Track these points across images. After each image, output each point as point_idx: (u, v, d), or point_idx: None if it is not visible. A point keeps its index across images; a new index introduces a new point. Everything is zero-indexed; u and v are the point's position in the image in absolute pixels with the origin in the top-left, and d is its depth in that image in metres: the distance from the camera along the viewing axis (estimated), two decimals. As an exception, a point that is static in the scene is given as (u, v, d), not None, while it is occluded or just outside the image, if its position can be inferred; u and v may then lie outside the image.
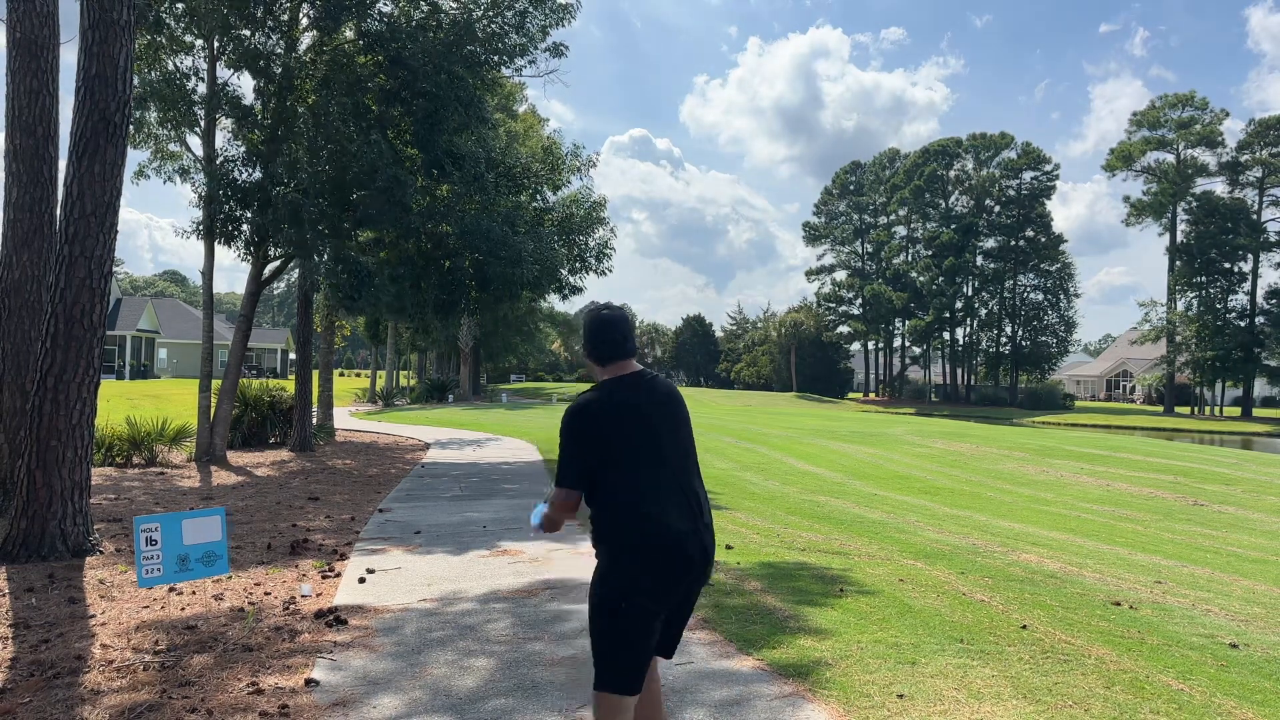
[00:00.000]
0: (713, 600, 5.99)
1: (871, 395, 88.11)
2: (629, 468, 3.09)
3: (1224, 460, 19.07)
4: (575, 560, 7.58)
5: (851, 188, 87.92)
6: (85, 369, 7.76)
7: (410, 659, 4.88)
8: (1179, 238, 65.27)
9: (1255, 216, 62.78)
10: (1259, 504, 13.07)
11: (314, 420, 20.66)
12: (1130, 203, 67.38)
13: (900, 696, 4.22)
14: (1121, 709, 4.13)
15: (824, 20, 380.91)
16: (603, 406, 3.14)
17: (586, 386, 3.39)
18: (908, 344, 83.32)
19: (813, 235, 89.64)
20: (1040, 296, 75.94)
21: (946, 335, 78.74)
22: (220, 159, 16.62)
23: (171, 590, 6.37)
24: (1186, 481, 15.06)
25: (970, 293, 76.90)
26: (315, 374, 21.01)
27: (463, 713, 4.10)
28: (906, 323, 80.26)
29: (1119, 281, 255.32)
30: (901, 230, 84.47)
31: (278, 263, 18.11)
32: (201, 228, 16.02)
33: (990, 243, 75.85)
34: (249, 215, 16.04)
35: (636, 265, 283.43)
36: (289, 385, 22.57)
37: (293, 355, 43.12)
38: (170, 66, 16.60)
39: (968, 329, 78.65)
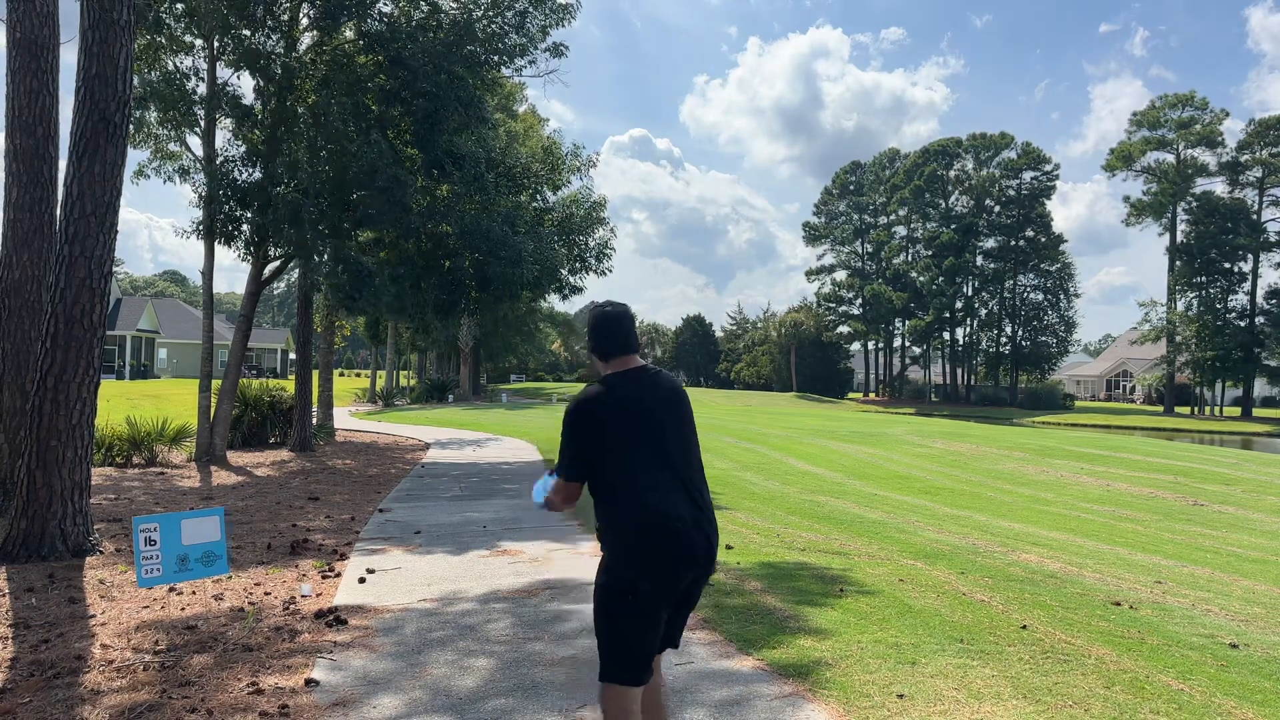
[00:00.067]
0: (713, 600, 5.99)
1: (871, 395, 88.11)
2: (632, 461, 3.12)
3: (1224, 460, 19.07)
4: (575, 560, 7.58)
5: (851, 188, 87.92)
6: (85, 369, 7.75)
7: (410, 659, 4.88)
8: (1179, 238, 65.28)
9: (1255, 216, 62.78)
10: (1259, 504, 13.07)
11: (314, 420, 20.66)
12: (1130, 203, 67.41)
13: (900, 696, 4.22)
14: (1121, 709, 4.13)
15: (824, 20, 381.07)
16: (605, 401, 3.17)
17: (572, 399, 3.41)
18: (908, 344, 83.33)
19: (813, 235, 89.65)
20: (1040, 296, 75.96)
21: (946, 335, 78.76)
22: (220, 159, 16.62)
23: (171, 590, 6.37)
24: (1186, 481, 15.06)
25: (970, 293, 76.91)
26: (315, 374, 21.01)
27: (463, 713, 4.10)
28: (906, 323, 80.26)
29: (1119, 281, 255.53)
30: (901, 230, 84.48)
31: (278, 263, 18.11)
32: (201, 228, 16.02)
33: (990, 243, 75.86)
34: (249, 215, 16.04)
35: (636, 265, 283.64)
36: (289, 385, 22.56)
37: (293, 355, 43.12)
38: (170, 66, 16.60)
39: (968, 329, 78.67)
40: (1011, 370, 76.00)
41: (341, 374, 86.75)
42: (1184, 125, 64.12)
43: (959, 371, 79.45)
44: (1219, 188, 64.66)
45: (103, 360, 8.12)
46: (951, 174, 78.51)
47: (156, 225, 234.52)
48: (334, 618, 5.65)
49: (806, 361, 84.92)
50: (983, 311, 77.43)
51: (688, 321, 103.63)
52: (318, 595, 6.40)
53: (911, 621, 5.58)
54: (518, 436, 23.22)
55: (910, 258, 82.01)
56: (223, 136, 19.76)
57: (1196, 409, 65.87)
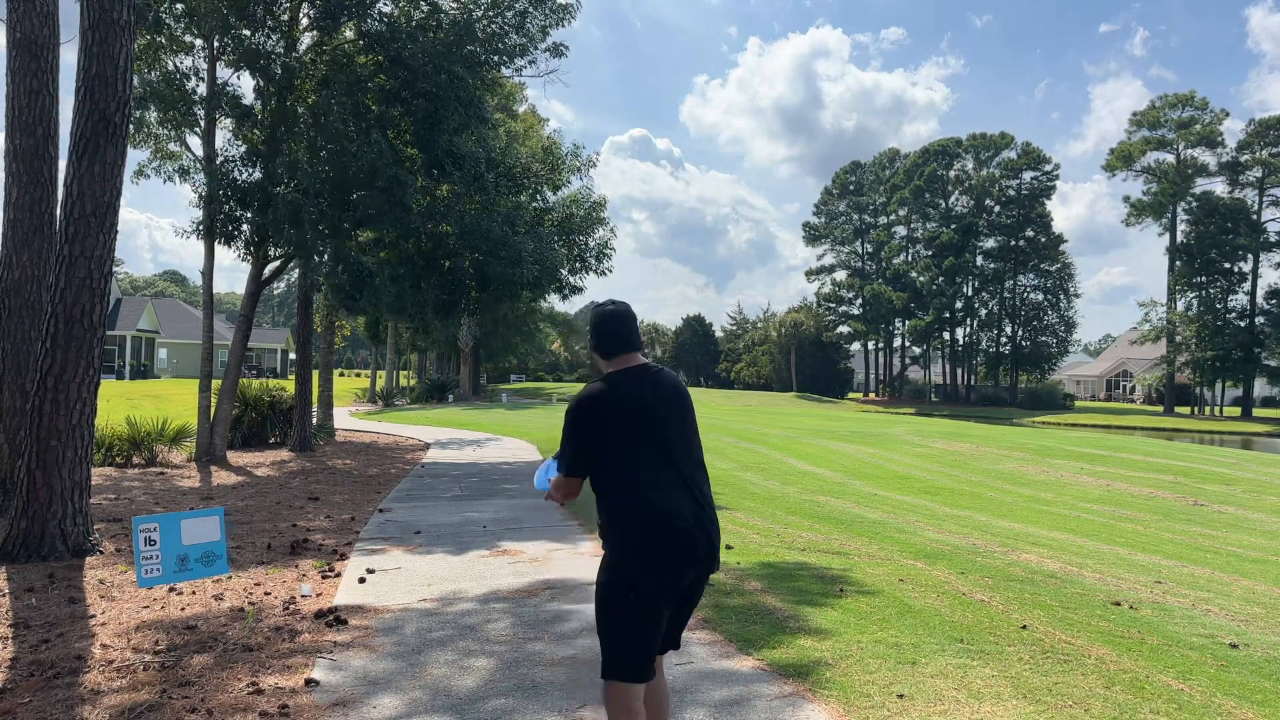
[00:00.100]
0: (713, 600, 5.99)
1: (871, 395, 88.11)
2: (633, 458, 3.13)
3: (1224, 460, 19.07)
4: (575, 560, 7.58)
5: (851, 188, 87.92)
6: (85, 369, 7.76)
7: (410, 659, 4.88)
8: (1179, 238, 65.28)
9: (1255, 216, 62.79)
10: (1259, 504, 13.07)
11: (314, 420, 20.66)
12: (1130, 203, 67.42)
13: (900, 696, 4.22)
14: (1121, 709, 4.13)
15: (824, 20, 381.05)
16: (607, 398, 3.18)
17: (574, 395, 3.42)
18: (908, 344, 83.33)
19: (813, 235, 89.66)
20: (1040, 296, 75.97)
21: (946, 335, 78.76)
22: (220, 159, 16.63)
23: (171, 590, 6.37)
24: (1186, 481, 15.06)
25: (970, 293, 76.91)
26: (315, 374, 21.01)
27: (463, 713, 4.10)
28: (906, 323, 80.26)
29: (1119, 281, 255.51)
30: (901, 230, 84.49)
31: (278, 263, 18.11)
32: (201, 228, 16.02)
33: (990, 243, 75.87)
34: (249, 215, 16.05)
35: (636, 265, 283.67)
36: (289, 385, 22.57)
37: (293, 355, 43.12)
38: (170, 66, 16.60)
39: (968, 329, 78.68)
40: (1011, 370, 76.00)
41: (341, 374, 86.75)
42: (1184, 125, 64.12)
43: (959, 371, 79.46)
44: (1219, 188, 64.77)
45: (103, 360, 8.12)
46: (951, 174, 78.52)
47: (156, 225, 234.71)
48: (334, 618, 5.65)
49: (806, 361, 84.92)
50: (983, 311, 77.44)
51: (688, 321, 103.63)
52: (318, 595, 6.40)
53: (911, 621, 5.58)
54: (518, 436, 23.22)
55: (910, 258, 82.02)
56: (223, 136, 19.77)
57: (1196, 409, 65.87)
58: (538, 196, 22.64)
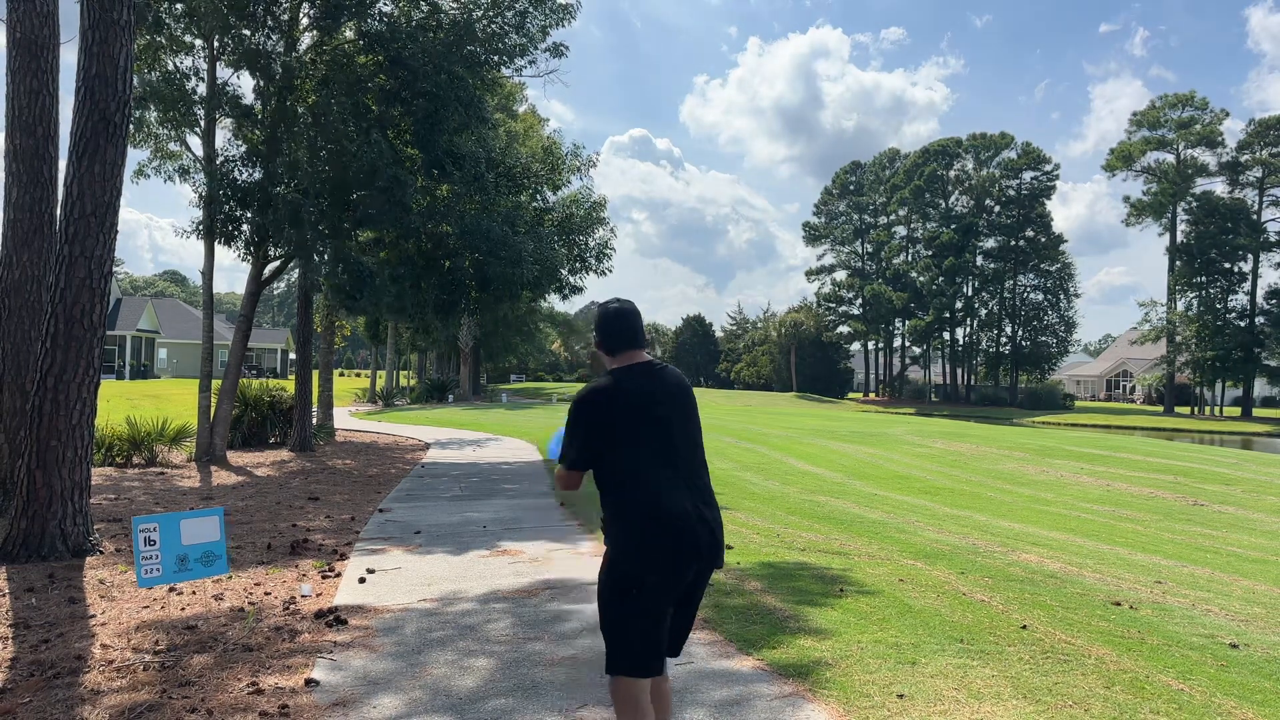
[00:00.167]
0: (713, 600, 5.99)
1: (871, 395, 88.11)
2: (636, 454, 3.14)
3: (1224, 460, 19.07)
4: (575, 560, 7.58)
5: (851, 188, 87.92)
6: (85, 369, 7.75)
7: (410, 659, 4.88)
8: (1179, 238, 65.29)
9: (1255, 216, 62.79)
10: (1259, 504, 13.07)
11: (314, 420, 20.66)
12: (1130, 203, 67.43)
13: (900, 696, 4.22)
14: (1121, 709, 4.12)
15: (824, 20, 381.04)
16: (611, 393, 3.20)
17: (579, 390, 3.44)
18: (908, 344, 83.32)
19: (813, 235, 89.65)
20: (1040, 296, 75.96)
21: (946, 335, 78.76)
22: (220, 159, 16.62)
23: (171, 590, 6.37)
24: (1186, 481, 15.06)
25: (970, 293, 76.91)
26: (315, 374, 21.02)
27: (463, 713, 4.10)
28: (906, 323, 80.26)
29: (1119, 281, 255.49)
30: (901, 230, 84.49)
31: (278, 263, 18.11)
32: (201, 228, 16.02)
33: (990, 243, 75.87)
34: (249, 215, 16.05)
35: (636, 265, 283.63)
36: (289, 385, 22.57)
37: (293, 355, 43.12)
38: (170, 66, 16.60)
39: (968, 329, 78.67)
40: (1011, 370, 76.01)
41: (341, 374, 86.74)
42: (1184, 125, 64.13)
43: (959, 371, 79.45)
44: (1219, 188, 64.77)
45: (103, 360, 8.12)
46: (951, 174, 78.52)
47: (156, 225, 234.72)
48: (334, 618, 5.65)
49: (806, 361, 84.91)
50: (983, 311, 77.44)
51: (688, 321, 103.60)
52: (318, 595, 6.40)
53: (911, 621, 5.58)
54: (518, 436, 23.22)
55: (910, 258, 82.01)
56: (223, 136, 19.79)
57: (1196, 409, 65.88)
58: (538, 196, 22.65)
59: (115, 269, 35.37)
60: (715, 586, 6.40)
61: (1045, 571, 7.63)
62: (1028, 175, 75.48)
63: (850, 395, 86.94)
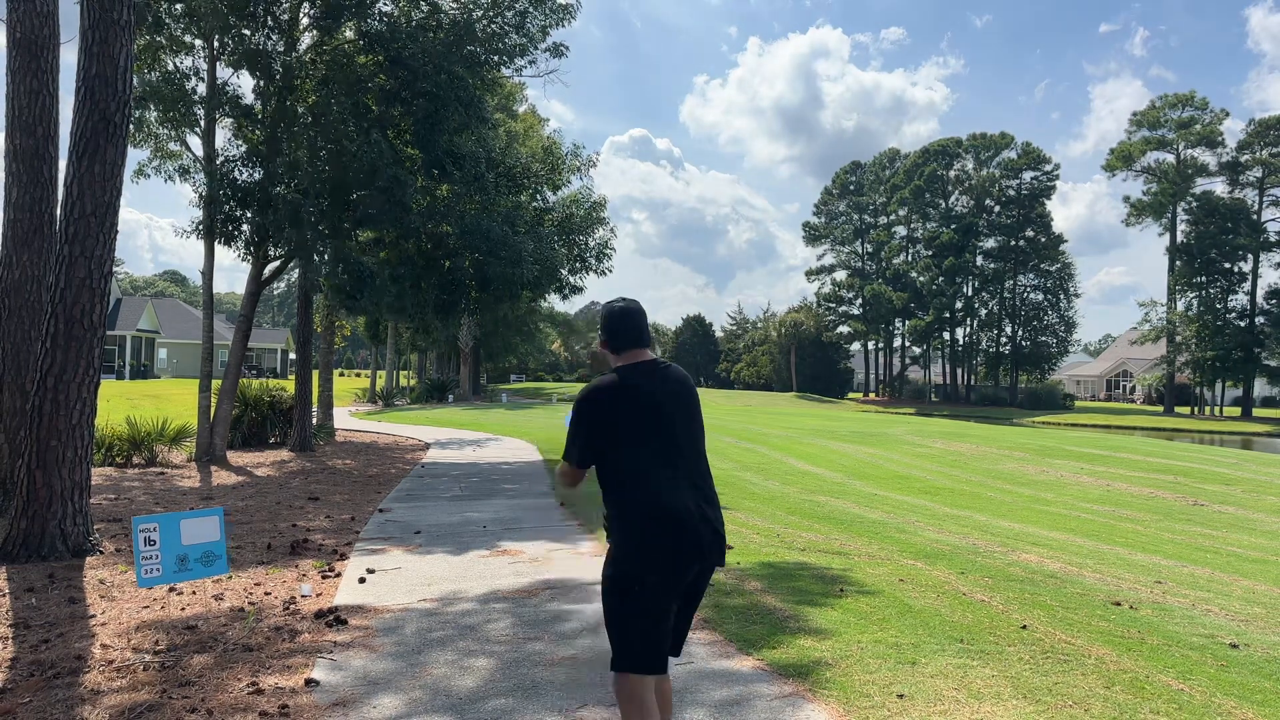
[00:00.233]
0: (713, 600, 5.99)
1: (871, 395, 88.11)
2: (641, 453, 3.15)
3: (1224, 460, 19.07)
4: (575, 560, 7.58)
5: (851, 188, 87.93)
6: (85, 369, 7.76)
7: (410, 659, 4.88)
8: (1179, 238, 65.29)
9: (1255, 216, 62.79)
10: (1259, 504, 13.07)
11: (314, 420, 20.66)
12: (1130, 203, 67.43)
13: (900, 696, 4.22)
14: (1121, 709, 4.12)
15: (824, 20, 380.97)
16: (615, 391, 3.21)
17: (583, 388, 3.44)
18: (908, 344, 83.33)
19: (813, 235, 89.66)
20: (1040, 296, 75.97)
21: (946, 335, 78.77)
22: (220, 159, 16.62)
23: (171, 590, 6.37)
24: (1186, 481, 15.06)
25: (970, 293, 76.92)
26: (315, 374, 21.02)
27: (463, 713, 4.10)
28: (906, 323, 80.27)
29: (1119, 281, 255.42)
30: (901, 230, 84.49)
31: (278, 263, 18.11)
32: (201, 228, 16.02)
33: (990, 243, 75.88)
34: (249, 215, 16.04)
35: (636, 265, 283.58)
36: (289, 385, 22.57)
37: (293, 355, 43.13)
38: (170, 66, 16.60)
39: (968, 329, 78.68)
40: (1011, 370, 76.01)
41: (341, 374, 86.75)
42: (1184, 125, 64.13)
43: (959, 371, 79.46)
44: (1219, 188, 64.78)
45: (103, 360, 8.12)
46: (951, 174, 78.53)
47: (156, 225, 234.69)
48: (334, 618, 5.65)
49: (806, 361, 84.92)
50: (983, 311, 77.45)
51: (688, 321, 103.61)
52: (318, 595, 6.40)
53: (911, 621, 5.58)
54: (518, 436, 23.22)
55: (910, 258, 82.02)
56: (223, 136, 19.78)
57: (1196, 409, 65.88)
58: (538, 196, 22.66)
59: (115, 269, 35.36)
60: (715, 586, 6.40)
61: (1045, 571, 7.63)
62: (1028, 175, 75.50)
63: (850, 395, 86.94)
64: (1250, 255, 62.73)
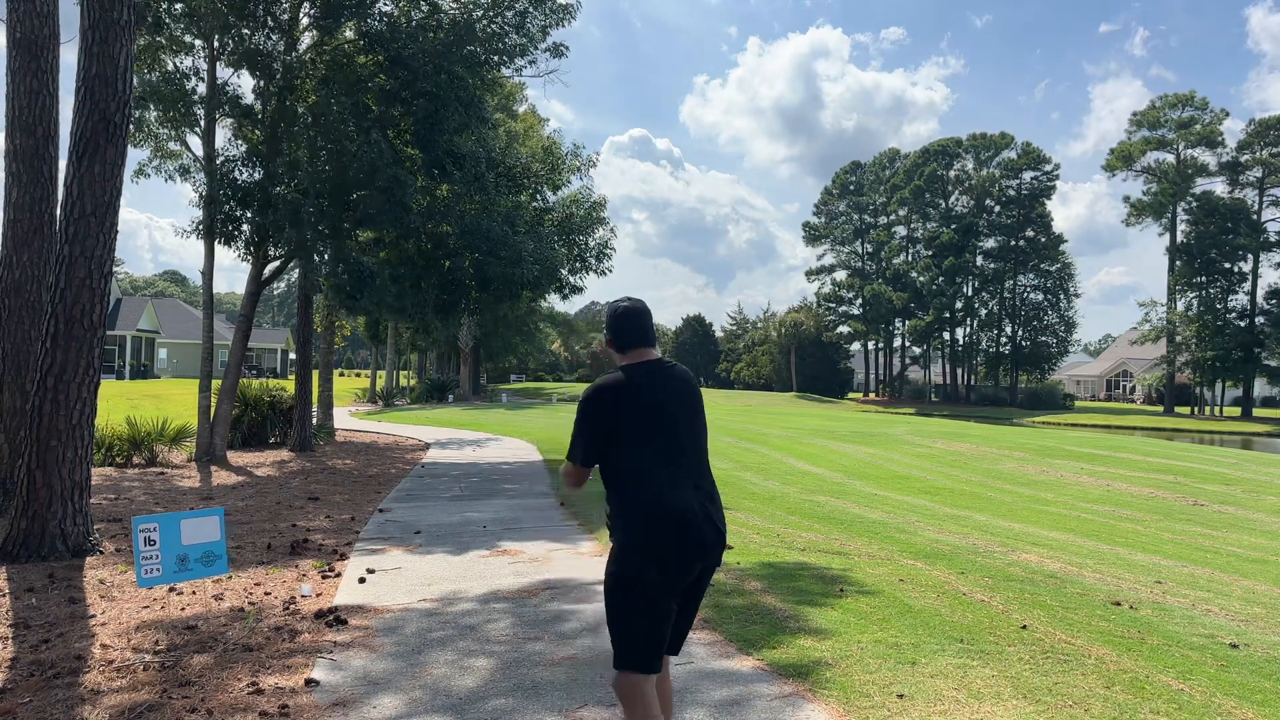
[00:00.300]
0: (713, 600, 5.99)
1: (871, 395, 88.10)
2: (643, 449, 3.16)
3: (1224, 460, 19.07)
4: (575, 560, 7.58)
5: (851, 188, 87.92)
6: (85, 369, 7.75)
7: (410, 659, 4.88)
8: (1179, 238, 65.28)
9: (1255, 216, 62.78)
10: (1259, 504, 13.07)
11: (314, 420, 20.66)
12: (1130, 203, 67.42)
13: (900, 696, 4.22)
14: (1121, 709, 4.12)
15: (824, 20, 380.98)
16: (619, 389, 3.22)
17: (588, 387, 3.44)
18: (908, 344, 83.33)
19: (813, 235, 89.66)
20: (1040, 296, 75.98)
21: (946, 335, 78.76)
22: (220, 159, 16.62)
23: (171, 590, 6.37)
24: (1186, 481, 15.06)
25: (970, 293, 76.92)
26: (315, 374, 21.01)
27: (463, 713, 4.10)
28: (906, 323, 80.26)
29: (1119, 281, 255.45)
30: (901, 230, 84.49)
31: (278, 263, 18.11)
32: (201, 228, 16.02)
33: (990, 243, 75.88)
34: (249, 215, 16.05)
35: (636, 265, 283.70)
36: (289, 385, 22.57)
37: (293, 355, 43.13)
38: (170, 66, 16.60)
39: (968, 329, 78.68)
40: (1011, 370, 76.01)
41: (341, 374, 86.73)
42: (1184, 125, 64.12)
43: (959, 371, 79.45)
44: (1219, 188, 64.78)
45: (103, 360, 8.12)
46: (951, 174, 78.53)
47: (156, 225, 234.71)
48: (334, 618, 5.65)
49: (806, 361, 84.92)
50: (983, 311, 77.45)
51: (688, 321, 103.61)
52: (318, 595, 6.40)
53: (911, 621, 5.58)
54: (518, 436, 23.21)
55: (910, 258, 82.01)
56: (223, 136, 19.81)
57: (1196, 409, 65.87)
58: (538, 196, 22.66)
59: (115, 269, 35.36)
60: (715, 586, 6.40)
61: (1045, 571, 7.63)
62: (1028, 175, 75.50)
63: (850, 395, 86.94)
64: (1250, 255, 62.73)
